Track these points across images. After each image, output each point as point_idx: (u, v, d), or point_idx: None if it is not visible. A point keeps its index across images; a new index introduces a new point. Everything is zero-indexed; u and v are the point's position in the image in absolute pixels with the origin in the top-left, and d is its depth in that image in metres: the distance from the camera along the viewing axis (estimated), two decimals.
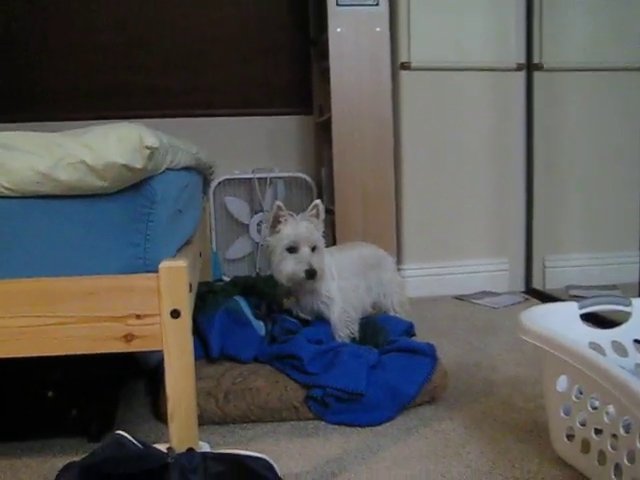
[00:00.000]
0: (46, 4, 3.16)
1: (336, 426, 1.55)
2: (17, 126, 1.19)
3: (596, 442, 1.19)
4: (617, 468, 1.12)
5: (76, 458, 1.08)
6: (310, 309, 1.92)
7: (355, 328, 1.90)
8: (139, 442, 1.10)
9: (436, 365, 1.69)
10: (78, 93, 3.24)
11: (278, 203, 1.83)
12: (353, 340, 1.88)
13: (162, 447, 1.13)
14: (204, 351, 1.76)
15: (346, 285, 1.94)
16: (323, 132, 3.21)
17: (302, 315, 1.93)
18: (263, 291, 2.15)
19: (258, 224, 3.29)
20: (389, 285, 2.14)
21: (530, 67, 2.94)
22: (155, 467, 1.05)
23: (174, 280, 1.16)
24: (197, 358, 1.69)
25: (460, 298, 2.90)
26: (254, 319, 1.89)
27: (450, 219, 2.99)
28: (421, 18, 2.85)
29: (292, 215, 1.83)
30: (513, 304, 2.77)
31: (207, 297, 2.10)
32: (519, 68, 2.94)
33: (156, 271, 1.15)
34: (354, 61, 2.82)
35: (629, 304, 1.48)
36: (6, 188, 1.11)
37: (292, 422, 1.58)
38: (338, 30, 2.79)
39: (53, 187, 1.11)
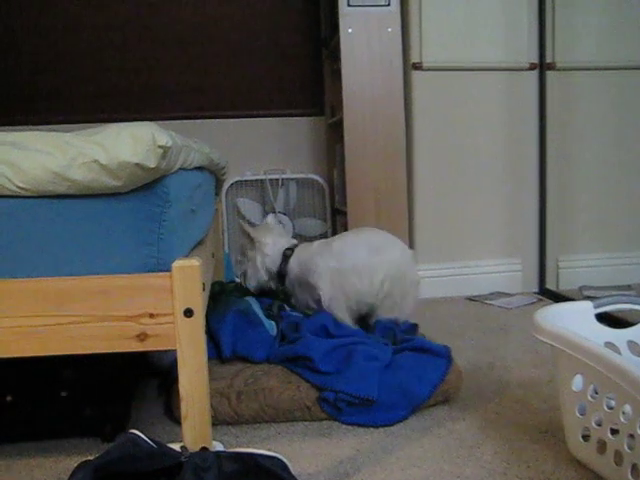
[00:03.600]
0: (54, 5, 3.18)
1: (349, 426, 1.55)
2: (25, 129, 1.19)
3: (612, 442, 1.17)
4: (634, 469, 1.11)
5: (90, 457, 1.07)
6: (306, 304, 2.03)
7: (343, 317, 1.93)
8: (153, 441, 1.10)
9: (450, 366, 1.68)
10: (88, 95, 3.25)
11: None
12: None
13: (176, 446, 1.13)
14: (216, 352, 1.76)
15: (343, 266, 1.96)
16: (335, 133, 3.21)
17: (307, 311, 2.00)
18: (275, 291, 2.16)
19: None
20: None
21: (543, 66, 2.92)
22: (169, 466, 1.05)
23: (187, 279, 1.16)
24: (209, 358, 1.71)
25: (473, 299, 2.89)
26: (266, 319, 1.89)
27: (463, 219, 2.98)
28: (432, 18, 2.84)
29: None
30: (526, 305, 2.76)
31: (219, 298, 2.11)
32: (532, 67, 2.92)
33: (169, 270, 1.15)
34: (365, 62, 2.82)
35: None
36: (21, 188, 1.11)
37: (305, 422, 1.58)
38: (349, 31, 2.79)
39: (68, 187, 1.11)
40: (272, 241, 2.08)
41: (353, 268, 1.95)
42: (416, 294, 2.03)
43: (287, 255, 2.05)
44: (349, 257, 1.97)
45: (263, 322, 1.86)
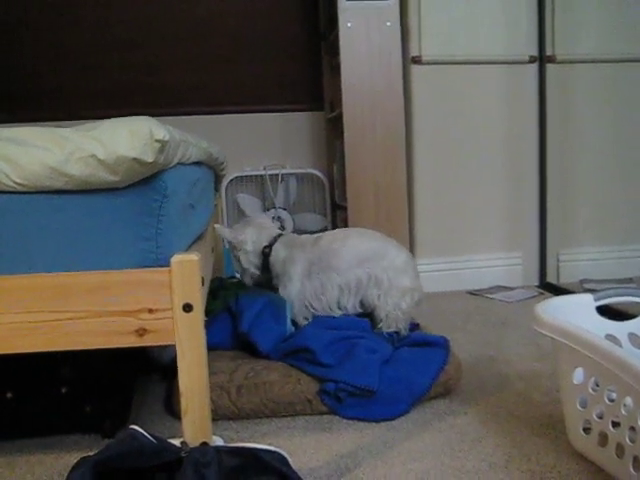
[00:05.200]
0: (56, 1, 3.17)
1: (350, 421, 1.54)
2: (27, 125, 1.18)
3: (614, 435, 1.17)
4: (635, 461, 1.11)
5: (90, 454, 1.07)
6: None
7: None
8: (153, 437, 1.09)
9: (449, 355, 1.69)
10: (89, 91, 3.24)
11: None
12: None
13: (176, 442, 1.13)
14: (232, 328, 1.84)
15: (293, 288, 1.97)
16: (334, 128, 3.21)
17: None
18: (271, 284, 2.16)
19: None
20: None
21: (543, 59, 2.91)
22: (169, 461, 1.05)
23: (186, 274, 1.15)
24: (218, 344, 1.77)
25: (474, 293, 2.89)
26: (290, 324, 1.89)
27: (463, 213, 2.97)
28: (432, 12, 2.83)
29: None
30: (527, 298, 2.75)
31: (218, 294, 2.10)
32: (532, 60, 2.91)
33: (168, 265, 1.15)
34: (365, 56, 2.81)
35: None
36: (18, 183, 1.10)
37: (306, 417, 1.58)
38: (348, 25, 2.78)
39: (65, 182, 1.11)
40: (250, 238, 2.03)
41: (314, 289, 1.94)
42: (408, 303, 1.91)
43: (266, 253, 2.02)
44: (314, 274, 1.94)
45: (287, 324, 1.86)
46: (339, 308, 1.94)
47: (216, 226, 2.12)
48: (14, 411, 1.46)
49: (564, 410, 1.34)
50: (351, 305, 1.93)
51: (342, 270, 1.90)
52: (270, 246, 2.02)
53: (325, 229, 3.32)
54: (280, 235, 2.05)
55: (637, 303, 1.46)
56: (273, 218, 3.24)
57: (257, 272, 2.06)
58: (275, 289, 2.01)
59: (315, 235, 2.05)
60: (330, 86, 3.29)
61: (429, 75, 2.88)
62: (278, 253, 2.01)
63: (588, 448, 1.28)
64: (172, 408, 1.61)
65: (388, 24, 2.80)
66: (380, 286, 1.90)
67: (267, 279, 2.05)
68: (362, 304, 1.94)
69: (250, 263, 2.05)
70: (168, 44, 3.28)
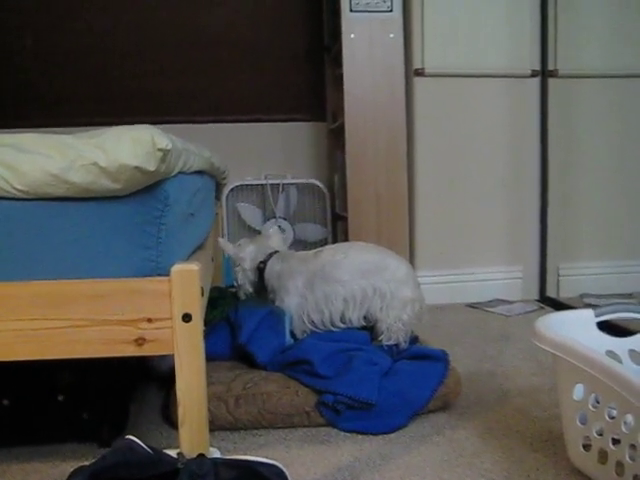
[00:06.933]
0: (56, 8, 3.17)
1: (348, 433, 1.53)
2: (26, 132, 1.18)
3: (614, 452, 1.16)
4: None
5: (86, 463, 1.06)
6: None
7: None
8: (149, 447, 1.09)
9: (449, 369, 1.68)
10: (89, 98, 3.24)
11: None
12: None
13: (172, 453, 1.12)
14: (231, 338, 1.84)
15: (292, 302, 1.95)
16: (336, 139, 3.21)
17: None
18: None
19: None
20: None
21: (545, 74, 2.92)
22: (165, 472, 1.04)
23: (186, 284, 1.15)
24: (216, 354, 1.76)
25: (473, 306, 2.88)
26: (289, 336, 1.88)
27: (464, 226, 2.97)
28: (435, 24, 2.83)
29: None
30: (527, 312, 2.74)
31: (217, 303, 2.10)
32: (534, 75, 2.92)
33: (168, 274, 1.14)
34: (367, 67, 2.82)
35: None
36: (19, 190, 1.10)
37: (304, 429, 1.57)
38: (351, 36, 2.79)
39: (66, 189, 1.10)
40: (249, 255, 2.04)
41: (316, 302, 1.91)
42: (410, 315, 1.88)
43: (260, 268, 2.02)
44: (316, 286, 1.92)
45: (285, 335, 1.86)
46: (342, 321, 1.91)
47: (219, 240, 2.13)
48: (10, 418, 1.46)
49: (564, 426, 1.34)
50: (356, 318, 1.90)
51: (346, 282, 1.89)
52: (265, 262, 2.02)
53: (325, 239, 3.32)
54: (276, 252, 2.05)
55: (638, 319, 1.45)
56: (279, 227, 3.23)
57: (250, 290, 2.07)
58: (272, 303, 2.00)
59: (314, 250, 2.05)
60: (333, 97, 3.30)
61: (431, 87, 2.88)
62: (273, 267, 2.00)
63: (587, 465, 1.27)
64: (169, 418, 1.60)
65: (391, 36, 2.81)
66: (383, 298, 1.89)
67: (262, 295, 2.05)
68: (365, 317, 1.92)
69: (246, 279, 2.05)
70: (171, 52, 3.29)
